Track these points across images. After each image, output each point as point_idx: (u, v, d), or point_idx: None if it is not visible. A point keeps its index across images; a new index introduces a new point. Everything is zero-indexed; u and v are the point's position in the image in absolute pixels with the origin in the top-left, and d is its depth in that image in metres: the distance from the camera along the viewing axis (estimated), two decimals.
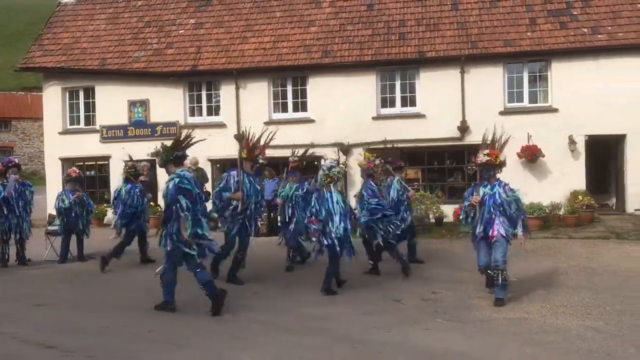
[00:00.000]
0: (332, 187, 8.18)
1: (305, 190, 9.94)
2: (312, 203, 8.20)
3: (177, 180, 7.02)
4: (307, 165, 10.42)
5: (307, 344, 5.92)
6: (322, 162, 11.12)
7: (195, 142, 7.62)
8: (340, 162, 16.26)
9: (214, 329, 6.51)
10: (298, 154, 10.53)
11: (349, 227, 8.14)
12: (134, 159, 12.17)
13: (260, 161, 9.18)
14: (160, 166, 7.62)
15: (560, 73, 15.75)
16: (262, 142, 9.17)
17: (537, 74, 16.27)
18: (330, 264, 8.17)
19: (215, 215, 9.42)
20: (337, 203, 8.05)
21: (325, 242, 7.97)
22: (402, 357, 5.52)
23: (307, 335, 6.21)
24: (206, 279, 7.02)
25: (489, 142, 7.70)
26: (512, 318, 6.80)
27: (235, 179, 8.69)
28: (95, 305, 7.65)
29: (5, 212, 10.89)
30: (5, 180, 10.98)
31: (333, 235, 7.92)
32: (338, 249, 7.98)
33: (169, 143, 18.15)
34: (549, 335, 6.13)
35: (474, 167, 8.08)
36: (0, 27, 67.74)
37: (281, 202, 10.18)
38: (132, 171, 11.42)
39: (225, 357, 5.52)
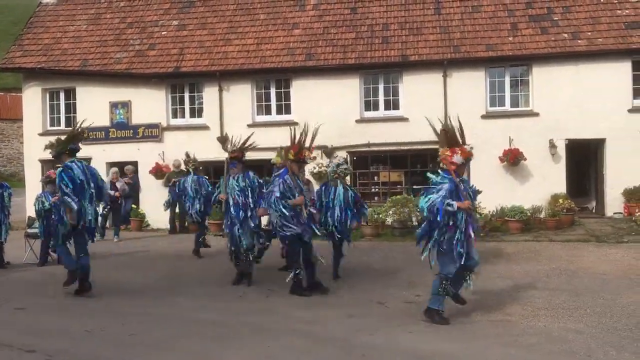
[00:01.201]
0: (338, 182, 9.32)
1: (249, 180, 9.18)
2: (319, 195, 9.37)
3: (61, 170, 7.95)
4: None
5: (293, 347, 5.91)
6: (332, 159, 10.97)
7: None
8: (323, 165, 16.31)
9: (199, 331, 6.47)
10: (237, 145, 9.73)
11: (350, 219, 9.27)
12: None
13: (308, 162, 8.97)
14: (54, 157, 8.35)
15: (541, 78, 15.95)
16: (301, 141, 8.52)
17: (519, 78, 16.45)
18: (335, 251, 9.38)
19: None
20: (338, 197, 9.17)
21: (325, 231, 9.09)
22: (388, 358, 5.53)
23: (293, 338, 6.20)
24: (72, 264, 8.17)
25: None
26: (495, 320, 6.86)
27: (290, 184, 8.16)
28: (76, 309, 7.56)
29: None
30: None
31: (333, 224, 9.11)
32: (338, 236, 9.20)
33: (149, 145, 18.07)
34: (532, 337, 6.19)
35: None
36: None
37: (224, 197, 9.33)
38: (196, 163, 12.68)
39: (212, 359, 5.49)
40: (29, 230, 12.21)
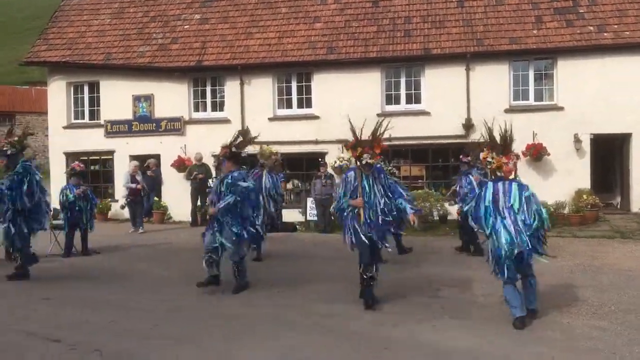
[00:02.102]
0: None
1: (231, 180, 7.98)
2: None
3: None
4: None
5: (313, 341, 5.92)
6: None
7: None
8: (344, 159, 16.28)
9: (218, 325, 6.51)
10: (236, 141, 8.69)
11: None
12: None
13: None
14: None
15: (566, 71, 15.70)
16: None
17: (543, 72, 16.22)
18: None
19: None
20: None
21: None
22: (409, 354, 5.52)
23: (313, 332, 6.20)
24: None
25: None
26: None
27: (353, 182, 7.19)
28: (99, 301, 7.66)
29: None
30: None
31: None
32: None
33: (171, 138, 18.07)
34: (555, 334, 6.12)
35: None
36: (4, 22, 67.78)
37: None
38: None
39: (231, 355, 5.51)
40: (54, 222, 12.39)
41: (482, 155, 6.90)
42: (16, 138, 9.07)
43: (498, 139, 6.87)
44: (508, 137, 6.84)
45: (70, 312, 7.00)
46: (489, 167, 6.80)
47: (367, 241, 7.04)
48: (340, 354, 5.56)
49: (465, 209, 7.25)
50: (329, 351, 5.64)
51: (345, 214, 7.23)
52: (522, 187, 6.61)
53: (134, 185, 14.95)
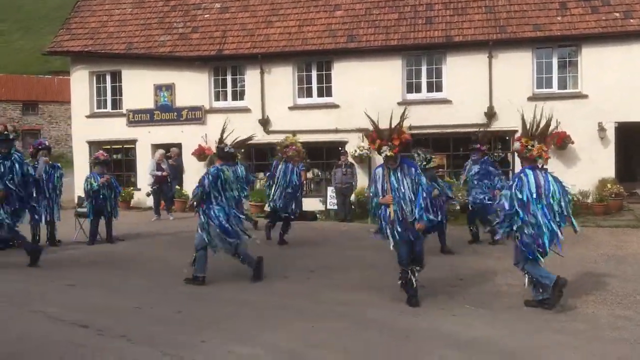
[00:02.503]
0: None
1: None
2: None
3: None
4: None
5: (335, 328, 5.95)
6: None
7: None
8: (365, 148, 16.23)
9: (238, 311, 6.58)
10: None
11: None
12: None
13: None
14: None
15: (591, 58, 15.44)
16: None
17: (567, 59, 15.98)
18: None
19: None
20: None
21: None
22: (429, 343, 5.52)
23: (334, 320, 6.23)
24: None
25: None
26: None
27: (381, 179, 6.85)
28: (124, 287, 7.79)
29: (36, 194, 11.06)
30: (35, 163, 11.16)
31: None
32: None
33: (192, 127, 18.11)
34: (579, 324, 6.08)
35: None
36: (26, 12, 68.55)
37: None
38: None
39: (255, 338, 5.57)
40: (79, 210, 12.60)
41: (518, 143, 6.82)
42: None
43: (519, 125, 6.86)
44: (547, 124, 6.83)
45: (95, 297, 7.12)
46: (527, 154, 6.70)
47: (400, 239, 6.76)
48: (361, 341, 5.58)
49: (500, 199, 6.88)
50: (348, 338, 5.66)
51: (380, 213, 6.90)
52: (554, 177, 6.63)
53: (159, 173, 15.15)
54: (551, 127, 6.97)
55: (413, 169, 6.84)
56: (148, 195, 16.16)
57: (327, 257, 9.97)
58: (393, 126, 6.76)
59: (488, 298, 7.14)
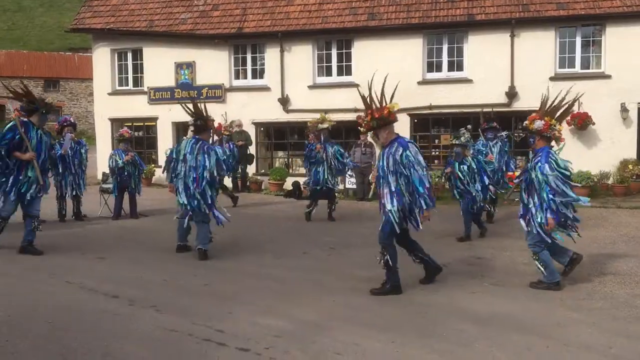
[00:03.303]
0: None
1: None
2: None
3: None
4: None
5: (354, 303, 6.12)
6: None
7: None
8: None
9: (263, 285, 6.77)
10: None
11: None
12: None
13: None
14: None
15: (615, 38, 15.26)
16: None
17: (591, 38, 15.79)
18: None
19: None
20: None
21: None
22: (449, 318, 5.66)
23: (354, 295, 6.40)
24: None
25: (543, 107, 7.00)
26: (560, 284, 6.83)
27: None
28: (150, 261, 8.02)
29: (62, 169, 11.36)
30: (61, 139, 11.43)
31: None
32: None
33: (212, 105, 18.24)
34: (597, 302, 6.16)
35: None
36: None
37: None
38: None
39: (279, 311, 5.76)
40: (104, 186, 12.87)
41: (541, 121, 6.72)
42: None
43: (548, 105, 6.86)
44: (569, 105, 6.85)
45: (124, 270, 7.36)
46: (551, 133, 6.70)
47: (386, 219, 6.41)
48: (381, 316, 5.73)
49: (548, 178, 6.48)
50: (369, 312, 5.83)
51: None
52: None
53: None
54: (573, 108, 6.95)
55: (401, 149, 6.27)
56: None
57: (346, 235, 10.13)
58: (378, 102, 6.53)
59: (506, 276, 7.24)
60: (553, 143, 6.93)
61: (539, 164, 6.59)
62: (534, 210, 6.67)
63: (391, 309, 5.97)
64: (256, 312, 5.69)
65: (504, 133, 11.81)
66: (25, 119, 8.16)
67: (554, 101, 6.87)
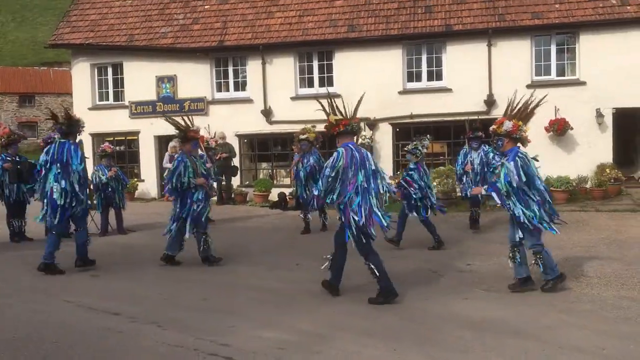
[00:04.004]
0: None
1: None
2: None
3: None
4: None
5: (354, 312, 6.24)
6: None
7: None
8: (367, 136, 16.49)
9: (262, 298, 6.85)
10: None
11: None
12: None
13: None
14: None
15: (589, 45, 15.71)
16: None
17: (565, 46, 16.23)
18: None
19: None
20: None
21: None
22: (446, 324, 5.81)
23: (353, 304, 6.52)
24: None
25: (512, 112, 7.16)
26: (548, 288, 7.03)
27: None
28: (145, 277, 8.04)
29: None
30: None
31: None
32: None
33: (194, 119, 18.25)
34: (586, 305, 6.37)
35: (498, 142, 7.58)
36: (19, 3, 68.00)
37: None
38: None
39: (280, 323, 5.85)
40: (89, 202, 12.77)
41: (510, 122, 6.88)
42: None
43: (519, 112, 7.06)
44: (531, 107, 7.04)
45: (120, 286, 7.38)
46: (519, 135, 6.88)
47: None
48: (380, 324, 5.86)
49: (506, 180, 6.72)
50: (368, 320, 5.95)
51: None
52: None
53: (169, 165, 15.32)
54: (546, 113, 7.22)
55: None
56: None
57: None
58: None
59: (496, 282, 7.42)
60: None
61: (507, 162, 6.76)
62: (515, 210, 6.76)
63: (389, 317, 6.10)
64: (258, 325, 5.77)
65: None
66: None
67: (517, 105, 7.04)
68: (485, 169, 11.26)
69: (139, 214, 14.09)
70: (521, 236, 6.89)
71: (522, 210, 6.73)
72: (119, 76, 18.91)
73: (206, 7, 18.73)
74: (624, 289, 6.91)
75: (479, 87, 16.11)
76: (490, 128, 7.18)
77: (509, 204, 6.81)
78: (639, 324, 5.72)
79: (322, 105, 7.07)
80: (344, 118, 6.91)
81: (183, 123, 8.97)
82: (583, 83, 15.72)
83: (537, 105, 7.12)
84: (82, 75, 19.09)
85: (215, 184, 15.72)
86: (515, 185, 6.68)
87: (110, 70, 19.03)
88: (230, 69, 18.17)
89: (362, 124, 15.27)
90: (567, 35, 16.12)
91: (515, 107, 7.06)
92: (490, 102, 16.06)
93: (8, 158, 11.14)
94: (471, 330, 5.63)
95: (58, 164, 8.14)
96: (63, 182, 8.05)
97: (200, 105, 18.02)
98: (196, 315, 6.11)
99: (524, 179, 6.69)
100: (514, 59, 15.95)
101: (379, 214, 6.55)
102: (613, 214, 12.59)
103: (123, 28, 18.77)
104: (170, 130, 18.07)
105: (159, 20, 18.71)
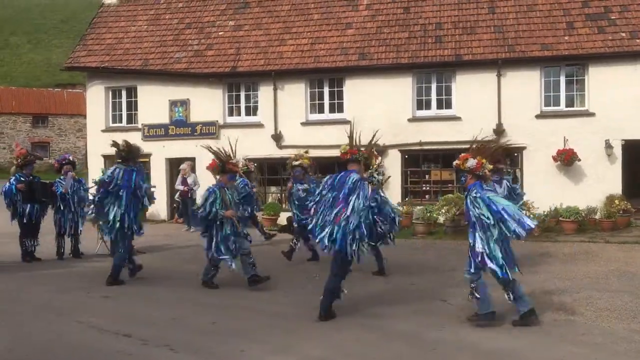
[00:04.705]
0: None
1: None
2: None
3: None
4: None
5: (364, 339, 6.25)
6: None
7: None
8: (375, 163, 16.55)
9: (272, 322, 6.88)
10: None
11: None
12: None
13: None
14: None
15: (598, 77, 15.84)
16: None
17: (574, 77, 16.36)
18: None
19: None
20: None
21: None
22: (457, 354, 5.81)
23: (363, 331, 6.53)
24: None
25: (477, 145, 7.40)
26: (558, 320, 7.02)
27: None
28: (155, 298, 8.08)
29: (62, 207, 11.45)
30: (62, 177, 11.55)
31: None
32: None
33: (206, 142, 18.45)
34: (597, 337, 6.35)
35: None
36: (35, 25, 69.31)
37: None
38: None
39: (290, 348, 5.87)
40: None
41: (474, 160, 6.93)
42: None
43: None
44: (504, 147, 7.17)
45: (131, 308, 7.43)
46: (482, 171, 6.92)
47: None
48: (390, 352, 5.87)
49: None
50: (379, 349, 5.96)
51: None
52: None
53: (181, 187, 15.84)
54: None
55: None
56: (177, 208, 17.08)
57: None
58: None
59: (504, 311, 7.40)
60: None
61: (476, 194, 6.71)
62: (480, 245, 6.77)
63: (400, 345, 6.11)
64: (268, 350, 5.80)
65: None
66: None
67: (482, 141, 7.12)
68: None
69: (149, 235, 14.06)
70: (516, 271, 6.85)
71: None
72: (133, 99, 19.19)
73: (220, 33, 19.06)
74: (635, 322, 6.88)
75: (488, 116, 16.22)
76: (454, 163, 7.20)
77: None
78: None
79: (349, 133, 7.45)
80: (353, 147, 7.20)
81: (223, 153, 9.02)
82: (592, 114, 15.81)
83: (503, 148, 7.20)
84: (96, 97, 19.39)
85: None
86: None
87: (124, 93, 19.32)
88: (242, 94, 18.41)
89: (375, 156, 15.27)
90: (576, 66, 16.27)
91: (481, 144, 7.15)
92: (499, 131, 16.14)
93: (22, 178, 11.30)
94: None
95: (125, 190, 9.05)
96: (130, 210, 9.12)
97: (212, 129, 18.22)
98: (207, 339, 6.14)
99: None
100: (524, 89, 16.10)
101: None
102: (623, 245, 12.55)
103: (138, 52, 19.11)
104: (182, 153, 18.55)
105: (173, 45, 19.04)
